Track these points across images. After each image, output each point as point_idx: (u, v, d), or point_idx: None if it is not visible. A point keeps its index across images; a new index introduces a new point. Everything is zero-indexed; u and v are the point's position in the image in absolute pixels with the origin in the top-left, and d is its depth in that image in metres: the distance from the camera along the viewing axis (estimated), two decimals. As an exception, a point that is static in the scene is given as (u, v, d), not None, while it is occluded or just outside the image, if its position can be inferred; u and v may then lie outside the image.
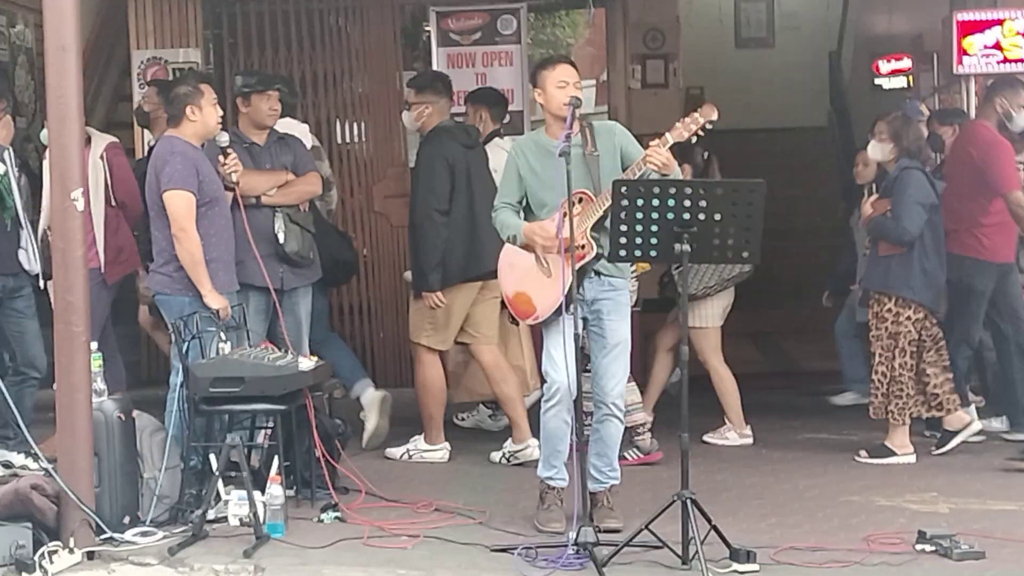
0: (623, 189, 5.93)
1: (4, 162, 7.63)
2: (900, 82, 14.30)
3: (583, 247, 6.25)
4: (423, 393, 8.19)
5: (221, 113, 7.28)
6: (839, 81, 16.72)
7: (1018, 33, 10.08)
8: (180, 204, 7.00)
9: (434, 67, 10.89)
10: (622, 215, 5.92)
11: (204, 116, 7.13)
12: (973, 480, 7.50)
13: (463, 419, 9.28)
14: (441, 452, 8.23)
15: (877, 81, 15.45)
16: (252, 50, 10.89)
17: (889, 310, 8.06)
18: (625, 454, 7.82)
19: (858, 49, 16.31)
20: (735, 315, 13.55)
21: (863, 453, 8.17)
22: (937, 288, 8.12)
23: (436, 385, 8.18)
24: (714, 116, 6.29)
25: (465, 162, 8.00)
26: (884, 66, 15.25)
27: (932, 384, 8.07)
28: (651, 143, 6.29)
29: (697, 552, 5.71)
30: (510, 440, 8.14)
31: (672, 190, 5.90)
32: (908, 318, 8.03)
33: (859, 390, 9.39)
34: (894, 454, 8.08)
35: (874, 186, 8.79)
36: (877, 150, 8.37)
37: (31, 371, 7.71)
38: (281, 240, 7.68)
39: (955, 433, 8.19)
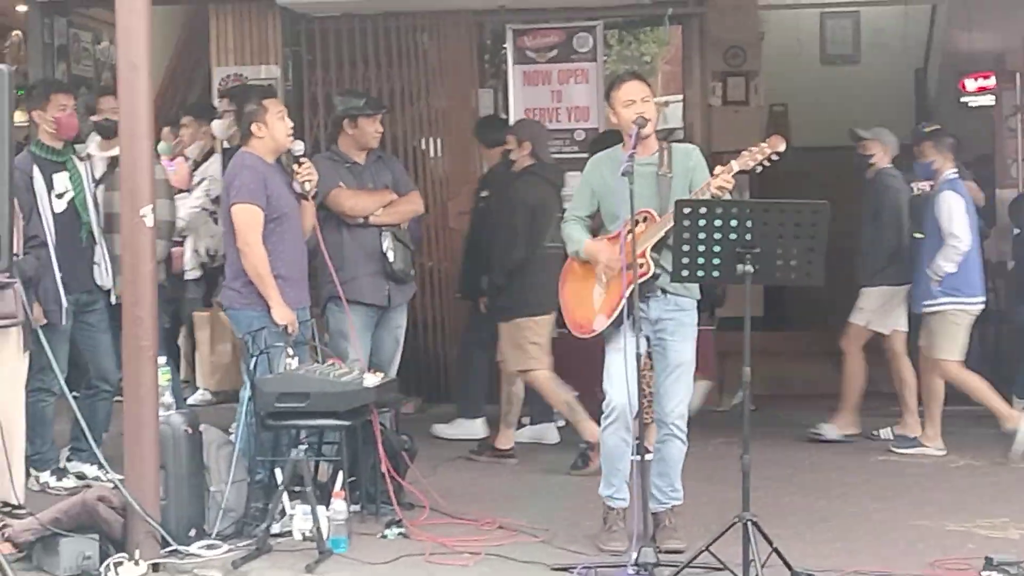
0: (686, 209, 5.90)
1: (81, 177, 7.75)
2: (987, 100, 14.10)
3: (642, 266, 6.24)
4: None
5: (291, 125, 7.34)
6: (925, 98, 16.50)
7: (1100, 52, 9.94)
8: (245, 218, 7.05)
9: (510, 85, 10.95)
10: (684, 235, 5.89)
11: (271, 131, 7.19)
12: (1048, 506, 7.39)
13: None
14: None
15: (963, 99, 15.25)
16: (331, 67, 10.96)
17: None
18: None
19: (944, 66, 16.09)
20: (812, 333, 13.41)
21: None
22: None
23: None
24: (781, 148, 6.31)
25: None
26: (970, 84, 15.06)
27: None
28: (716, 170, 6.29)
29: (758, 575, 5.66)
30: None
31: (735, 210, 5.87)
32: None
33: None
34: None
35: None
36: None
37: (103, 384, 7.82)
38: (391, 259, 7.83)
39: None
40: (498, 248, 8.66)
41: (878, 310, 9.06)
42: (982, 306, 8.86)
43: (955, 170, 8.94)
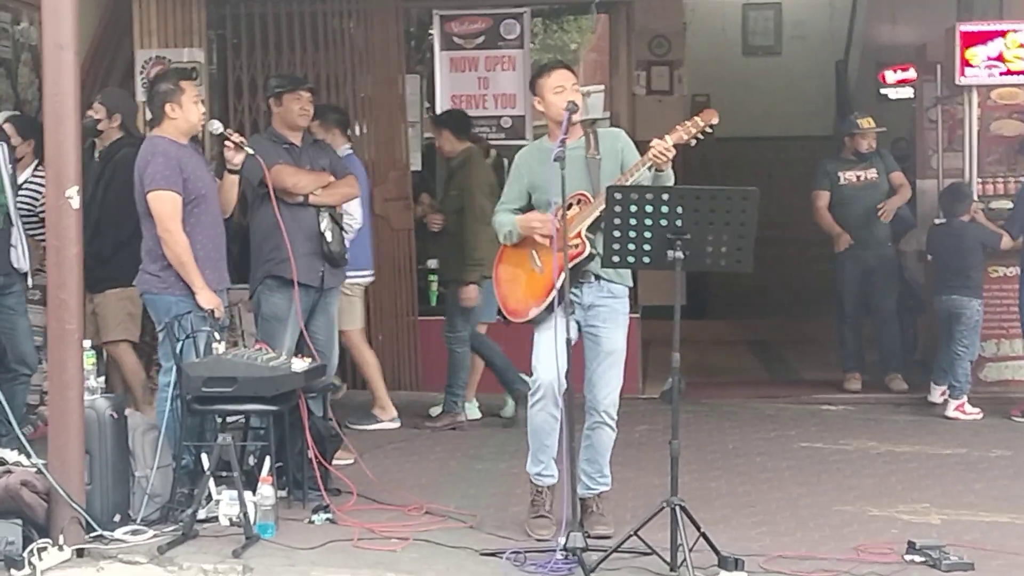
0: (616, 195, 5.92)
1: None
2: (906, 92, 14.27)
3: (577, 246, 6.25)
4: None
5: (203, 110, 7.34)
6: (845, 90, 16.68)
7: (1021, 45, 10.07)
8: (164, 204, 6.99)
9: (436, 71, 10.93)
10: (615, 220, 5.91)
11: (185, 112, 7.14)
12: (966, 492, 7.49)
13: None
14: None
15: (883, 91, 15.45)
16: (255, 51, 10.87)
17: None
18: None
19: (865, 58, 16.28)
20: (734, 323, 13.53)
21: None
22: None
23: None
24: (714, 120, 6.35)
25: None
26: (890, 76, 15.25)
27: None
28: (652, 143, 6.31)
29: (685, 559, 5.70)
30: None
31: (666, 196, 5.90)
32: None
33: None
34: None
35: None
36: None
37: (22, 368, 7.71)
38: (329, 239, 7.82)
39: None
40: None
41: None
42: (372, 278, 9.36)
43: (349, 146, 9.15)
